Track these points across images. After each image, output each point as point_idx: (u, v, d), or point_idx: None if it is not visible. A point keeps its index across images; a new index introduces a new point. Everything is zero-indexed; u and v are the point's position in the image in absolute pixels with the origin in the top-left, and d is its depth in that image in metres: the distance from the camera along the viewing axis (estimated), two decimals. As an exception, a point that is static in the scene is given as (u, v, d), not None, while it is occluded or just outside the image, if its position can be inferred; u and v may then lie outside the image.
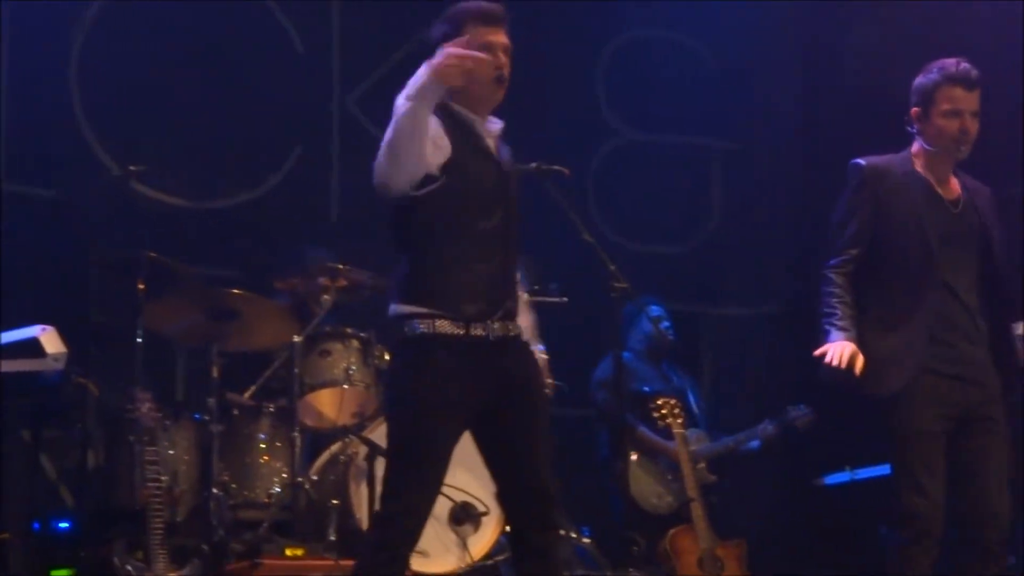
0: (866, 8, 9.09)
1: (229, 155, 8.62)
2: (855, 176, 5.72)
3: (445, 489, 6.34)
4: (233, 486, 7.14)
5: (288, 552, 6.79)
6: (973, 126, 5.64)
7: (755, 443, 8.24)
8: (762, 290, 9.87)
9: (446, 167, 4.79)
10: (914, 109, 5.70)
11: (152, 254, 6.99)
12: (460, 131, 4.88)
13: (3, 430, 6.86)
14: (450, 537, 6.90)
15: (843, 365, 5.46)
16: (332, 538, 6.90)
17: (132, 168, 7.31)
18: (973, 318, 5.62)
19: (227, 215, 8.66)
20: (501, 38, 4.93)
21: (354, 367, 7.36)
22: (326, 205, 8.93)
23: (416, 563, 6.01)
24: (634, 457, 7.98)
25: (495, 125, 5.01)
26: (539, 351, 5.51)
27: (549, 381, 7.32)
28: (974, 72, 5.63)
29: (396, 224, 4.89)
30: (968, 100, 5.61)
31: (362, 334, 7.42)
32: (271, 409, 7.33)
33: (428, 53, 4.94)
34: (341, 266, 7.41)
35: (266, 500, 7.18)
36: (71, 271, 7.71)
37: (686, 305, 9.25)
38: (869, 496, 8.00)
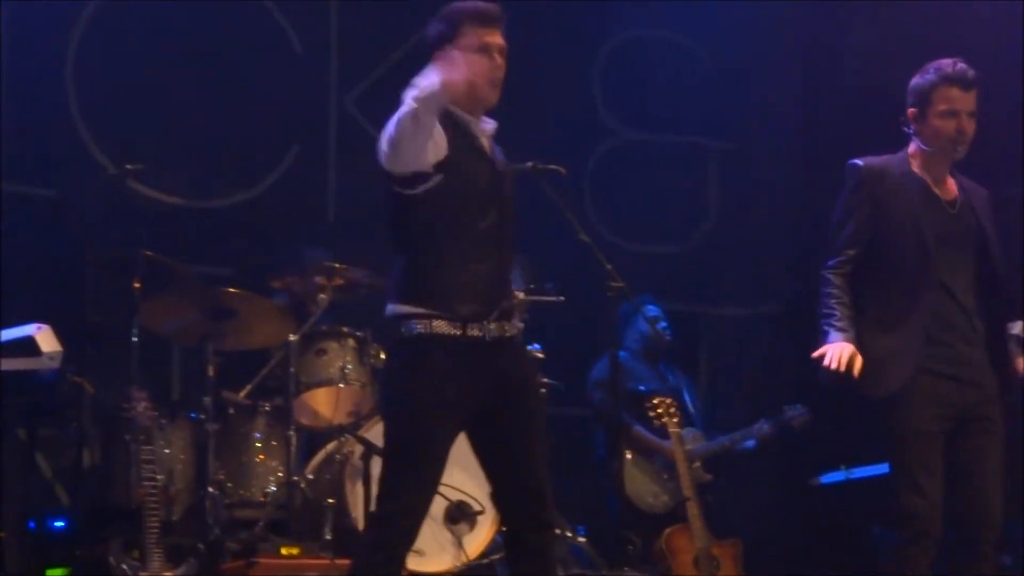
0: (865, 8, 9.08)
1: (226, 154, 8.62)
2: (852, 177, 5.72)
3: (441, 488, 6.34)
4: (229, 485, 7.14)
5: (284, 551, 6.79)
6: (970, 126, 5.63)
7: (751, 443, 8.24)
8: (759, 290, 9.86)
9: (441, 165, 4.79)
10: (911, 110, 5.69)
11: (148, 253, 6.99)
12: (456, 131, 4.88)
13: (-1, 429, 6.88)
14: (446, 536, 6.91)
15: (842, 367, 5.45)
16: (328, 537, 6.91)
17: (129, 167, 7.30)
18: (970, 319, 5.62)
19: (224, 214, 8.66)
20: (497, 39, 4.93)
21: (350, 366, 7.36)
22: (323, 205, 8.92)
23: (412, 562, 6.01)
24: (630, 456, 7.98)
25: (489, 125, 5.02)
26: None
27: (545, 380, 7.37)
28: (971, 72, 5.62)
29: (393, 224, 4.90)
30: (965, 100, 5.61)
31: (358, 333, 7.42)
32: (267, 408, 7.33)
33: (426, 53, 4.95)
34: (337, 265, 7.41)
35: (262, 499, 7.18)
36: (67, 270, 7.71)
37: (683, 305, 9.25)
38: (864, 496, 8.01)
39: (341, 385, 7.32)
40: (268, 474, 7.24)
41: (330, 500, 7.00)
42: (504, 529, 5.06)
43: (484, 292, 4.86)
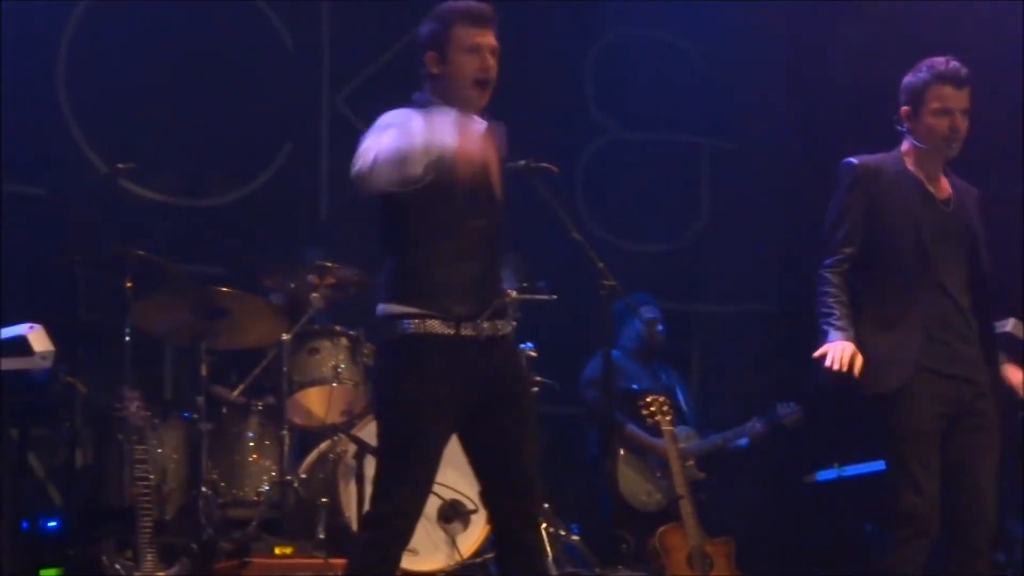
0: (854, 7, 9.09)
1: (218, 153, 8.61)
2: (847, 175, 5.70)
3: (434, 487, 6.33)
4: (222, 484, 7.13)
5: (277, 550, 6.78)
6: (963, 124, 5.63)
7: (743, 441, 8.25)
8: (751, 288, 9.87)
9: (432, 166, 4.78)
10: (904, 108, 5.69)
11: (140, 252, 6.98)
12: None
13: (-8, 429, 6.87)
14: (439, 535, 6.91)
15: (844, 367, 5.43)
16: (321, 536, 6.90)
17: (120, 166, 7.29)
18: (965, 317, 5.62)
19: (216, 213, 8.65)
20: (489, 39, 4.92)
21: (343, 365, 7.35)
22: (316, 203, 8.92)
23: (405, 561, 5.96)
24: (623, 454, 7.99)
25: (480, 126, 5.01)
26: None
27: (538, 379, 7.37)
28: (964, 70, 5.62)
29: (383, 224, 4.89)
30: (958, 98, 5.60)
31: (351, 332, 7.41)
32: (260, 407, 7.32)
33: (418, 52, 4.95)
34: (330, 264, 7.40)
35: (255, 498, 7.17)
36: (59, 269, 7.69)
37: (675, 303, 9.25)
38: (857, 493, 8.02)
39: (334, 384, 7.31)
40: (261, 473, 7.23)
41: (323, 499, 6.99)
42: (493, 527, 5.06)
43: (476, 291, 4.85)
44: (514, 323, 6.77)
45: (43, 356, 6.52)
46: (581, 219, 8.92)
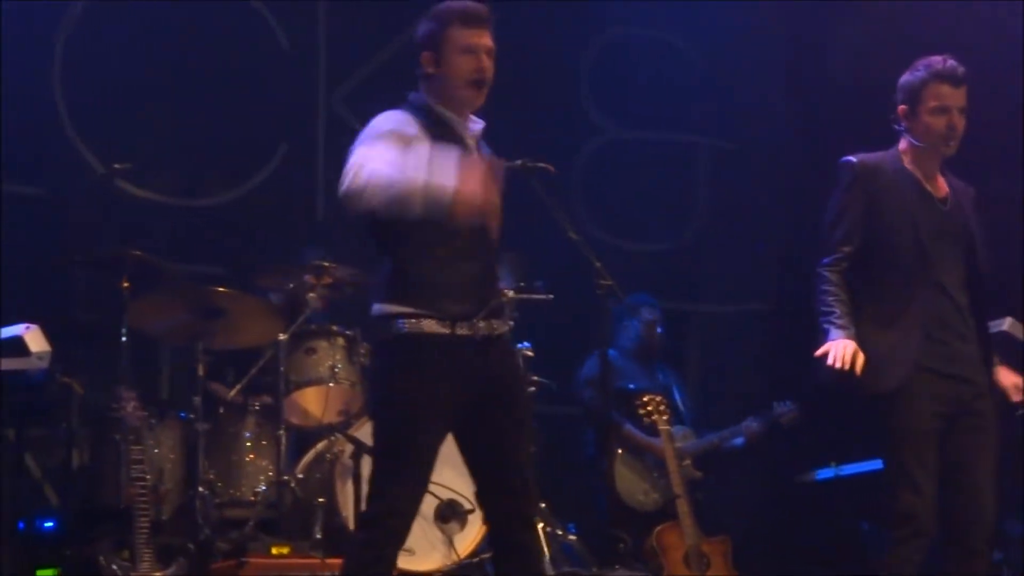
0: (852, 6, 9.09)
1: (215, 153, 8.61)
2: (847, 173, 5.70)
3: (431, 487, 6.33)
4: (219, 484, 7.13)
5: (274, 550, 6.77)
6: (960, 122, 5.63)
7: (739, 440, 8.26)
8: (749, 288, 9.87)
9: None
10: (901, 107, 5.69)
11: (137, 252, 6.97)
12: (440, 131, 4.87)
13: (-12, 429, 6.87)
14: (436, 535, 6.91)
15: (846, 365, 5.43)
16: (318, 536, 6.90)
17: (117, 166, 7.28)
18: (963, 316, 5.62)
19: (212, 213, 8.65)
20: (484, 40, 4.92)
21: (339, 365, 7.35)
22: (312, 203, 8.92)
23: (402, 561, 6.00)
24: (620, 454, 7.98)
25: (477, 125, 5.01)
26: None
27: (535, 378, 7.38)
28: (960, 69, 5.62)
29: (379, 225, 4.87)
30: (955, 96, 5.61)
31: (347, 332, 7.41)
32: (257, 407, 7.32)
33: (414, 52, 4.95)
34: (327, 264, 7.39)
35: (252, 498, 7.17)
36: (55, 269, 7.68)
37: (672, 303, 9.24)
38: (853, 492, 8.02)
39: (331, 384, 7.30)
40: (258, 473, 7.23)
41: (320, 499, 6.99)
42: (489, 528, 5.05)
43: (472, 290, 4.85)
44: (511, 323, 6.82)
45: (39, 356, 6.52)
46: (578, 219, 8.89)
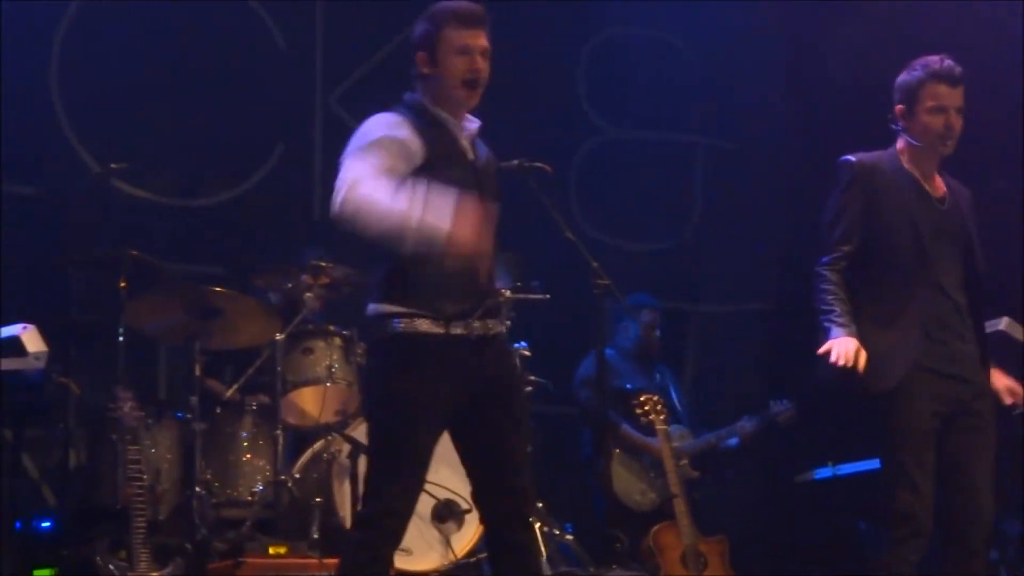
0: (854, 7, 9.08)
1: (211, 153, 8.61)
2: (846, 173, 5.69)
3: (428, 487, 6.33)
4: (216, 484, 7.13)
5: (271, 550, 6.77)
6: (957, 122, 5.62)
7: (733, 440, 8.27)
8: (745, 287, 9.87)
9: (418, 169, 4.78)
10: (898, 107, 5.68)
11: (134, 252, 6.97)
12: (435, 131, 4.88)
13: (-15, 429, 6.87)
14: (433, 535, 6.90)
15: (849, 363, 5.41)
16: (315, 536, 6.89)
17: (113, 166, 7.28)
18: (962, 315, 5.61)
19: (209, 213, 8.65)
20: (479, 40, 4.92)
21: (336, 365, 7.34)
22: (309, 203, 8.91)
23: (399, 561, 6.00)
24: (617, 454, 7.98)
25: (472, 124, 5.01)
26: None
27: (532, 378, 7.37)
28: (957, 68, 5.62)
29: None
30: (952, 96, 5.60)
31: (344, 332, 7.40)
32: (253, 407, 7.32)
33: (411, 52, 4.95)
34: (324, 264, 7.39)
35: (249, 498, 7.16)
36: (52, 269, 7.68)
37: (669, 302, 9.24)
38: (851, 492, 8.02)
39: (328, 384, 7.30)
40: (255, 473, 7.22)
41: (317, 499, 6.98)
42: (485, 528, 5.05)
43: (467, 290, 4.84)
44: (508, 322, 6.83)
45: (36, 357, 6.52)
46: (574, 218, 8.92)
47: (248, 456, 7.26)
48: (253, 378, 7.32)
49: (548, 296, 7.42)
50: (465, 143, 4.97)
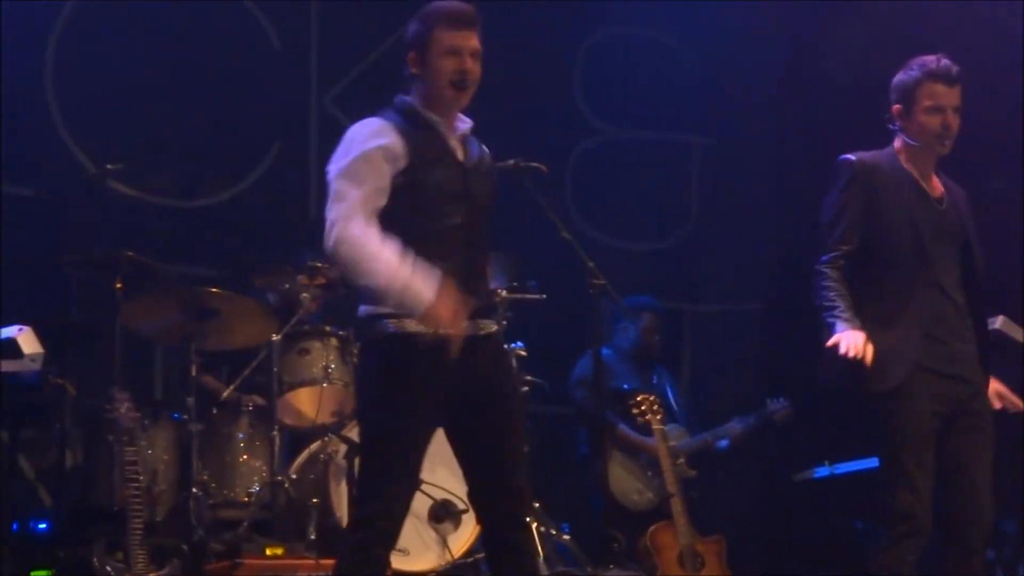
0: (854, 7, 9.08)
1: (207, 153, 8.61)
2: (845, 172, 5.67)
3: (425, 487, 6.33)
4: (213, 485, 7.12)
5: (268, 551, 6.77)
6: (955, 122, 5.62)
7: (723, 442, 8.27)
8: (742, 286, 9.87)
9: (403, 172, 4.79)
10: (896, 106, 5.68)
11: (130, 253, 6.96)
12: (422, 133, 4.87)
13: (-19, 431, 6.86)
14: (430, 535, 6.90)
15: (859, 355, 5.39)
16: (312, 537, 6.89)
17: (109, 167, 7.27)
18: (961, 315, 5.61)
19: (205, 213, 8.64)
20: (470, 41, 4.90)
21: (333, 365, 7.34)
22: (305, 203, 8.91)
23: (396, 561, 5.99)
24: (613, 454, 7.98)
25: (464, 124, 5.00)
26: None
27: (528, 378, 7.37)
28: (954, 68, 5.61)
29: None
30: (950, 96, 5.60)
31: (341, 332, 7.39)
32: (250, 408, 7.32)
33: (404, 52, 4.94)
34: (320, 264, 7.38)
35: (246, 499, 7.16)
36: (48, 270, 7.67)
37: (666, 301, 9.23)
38: (848, 491, 8.02)
39: (324, 385, 7.29)
40: (252, 474, 7.22)
41: (314, 500, 6.98)
42: (482, 528, 5.05)
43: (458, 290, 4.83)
44: (503, 322, 6.82)
45: (32, 358, 6.52)
46: (571, 218, 8.91)
47: (245, 457, 7.25)
48: (249, 379, 7.32)
49: (544, 296, 7.41)
50: (455, 143, 4.95)
